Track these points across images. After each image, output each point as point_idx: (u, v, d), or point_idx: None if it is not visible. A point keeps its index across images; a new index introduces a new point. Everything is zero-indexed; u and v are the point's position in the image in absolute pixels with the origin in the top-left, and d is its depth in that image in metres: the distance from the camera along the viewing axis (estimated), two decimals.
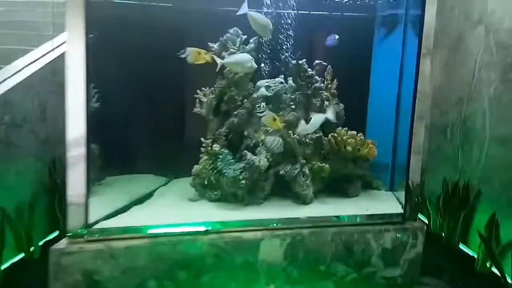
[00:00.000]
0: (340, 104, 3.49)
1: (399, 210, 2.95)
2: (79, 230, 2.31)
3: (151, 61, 3.20)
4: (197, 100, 3.21)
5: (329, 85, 3.40)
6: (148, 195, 3.25)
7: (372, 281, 2.78)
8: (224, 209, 2.92)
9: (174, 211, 2.82)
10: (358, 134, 3.29)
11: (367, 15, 3.71)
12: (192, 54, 2.65)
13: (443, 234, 3.50)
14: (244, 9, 2.64)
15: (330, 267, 2.68)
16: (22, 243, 2.90)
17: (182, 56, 2.59)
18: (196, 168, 3.06)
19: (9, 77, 3.04)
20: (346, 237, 2.71)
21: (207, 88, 3.22)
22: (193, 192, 3.14)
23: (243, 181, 2.91)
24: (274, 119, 2.75)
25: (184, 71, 3.32)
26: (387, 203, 3.18)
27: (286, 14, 3.12)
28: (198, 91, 3.20)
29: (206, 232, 2.51)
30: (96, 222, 2.50)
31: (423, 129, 2.92)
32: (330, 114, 2.79)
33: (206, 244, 2.46)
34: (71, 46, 2.25)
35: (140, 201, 3.09)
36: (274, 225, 2.65)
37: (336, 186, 3.35)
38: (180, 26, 3.23)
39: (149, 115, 3.56)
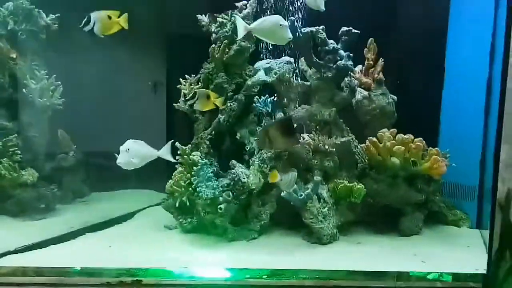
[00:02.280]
0: (390, 96, 2.39)
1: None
2: None
3: None
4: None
5: (371, 68, 2.30)
6: (124, 218, 2.63)
7: None
8: (192, 246, 2.03)
9: (117, 248, 2.01)
10: (416, 139, 2.14)
11: None
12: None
13: None
14: None
15: None
16: None
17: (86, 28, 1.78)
18: (168, 183, 2.22)
19: None
20: None
21: (193, 75, 2.37)
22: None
23: (222, 205, 1.98)
24: (208, 97, 1.97)
25: None
26: (462, 251, 2.09)
27: None
28: (180, 79, 2.37)
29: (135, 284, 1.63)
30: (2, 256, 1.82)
31: None
32: None
33: None
34: None
35: (104, 225, 2.44)
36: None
37: (382, 218, 2.38)
38: None
39: None
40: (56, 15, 2.60)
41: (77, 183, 2.89)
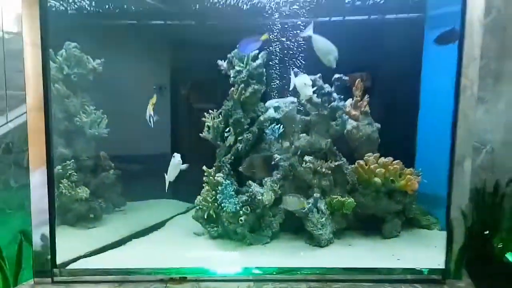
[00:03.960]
0: (375, 124, 2.90)
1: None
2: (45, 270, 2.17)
3: None
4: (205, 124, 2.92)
5: (359, 102, 2.83)
6: (158, 225, 3.12)
7: None
8: (219, 249, 2.58)
9: (161, 251, 2.55)
10: (395, 161, 2.68)
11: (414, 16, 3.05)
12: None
13: None
14: (308, 31, 2.34)
15: None
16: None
17: None
18: (198, 198, 2.76)
19: None
20: None
21: (215, 110, 2.90)
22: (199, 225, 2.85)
23: (242, 217, 2.53)
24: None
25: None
26: (430, 250, 2.54)
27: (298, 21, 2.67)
28: (205, 113, 2.90)
29: (182, 280, 2.18)
30: (76, 260, 2.35)
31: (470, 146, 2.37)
32: None
33: None
34: None
35: (144, 232, 2.94)
36: None
37: (369, 225, 2.83)
38: None
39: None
40: (102, 60, 3.11)
41: (116, 195, 3.34)
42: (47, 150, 2.16)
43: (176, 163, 2.43)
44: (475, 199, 4.02)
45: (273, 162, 2.58)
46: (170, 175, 2.47)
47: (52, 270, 2.20)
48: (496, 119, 4.35)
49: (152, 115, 2.44)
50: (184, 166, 2.46)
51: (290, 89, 2.45)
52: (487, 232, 3.44)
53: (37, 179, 2.17)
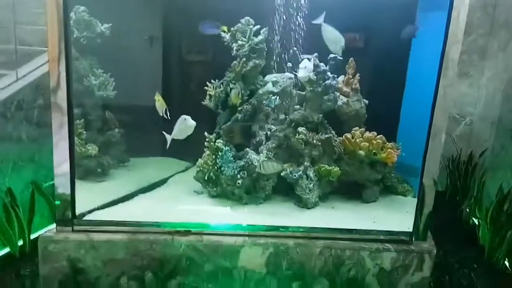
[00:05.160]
0: (363, 100, 3.17)
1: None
2: (65, 220, 2.46)
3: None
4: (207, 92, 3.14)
5: (350, 80, 3.07)
6: (161, 182, 3.37)
7: None
8: (218, 207, 2.89)
9: (167, 206, 2.86)
10: (378, 136, 2.98)
11: None
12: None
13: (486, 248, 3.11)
14: (320, 19, 2.59)
15: (314, 283, 2.53)
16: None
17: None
18: (199, 161, 3.04)
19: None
20: (336, 252, 2.52)
21: (217, 80, 3.11)
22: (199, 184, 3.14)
23: (239, 181, 2.83)
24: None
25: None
26: (403, 215, 2.88)
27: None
28: (207, 83, 3.12)
29: (186, 233, 2.51)
30: (91, 211, 2.64)
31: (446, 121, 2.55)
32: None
33: (184, 245, 2.46)
34: None
35: (149, 188, 3.21)
36: None
37: (351, 190, 3.14)
38: None
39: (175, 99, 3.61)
40: (109, 24, 3.23)
41: (120, 152, 3.56)
42: (68, 101, 2.35)
43: (190, 125, 2.59)
44: (449, 167, 4.44)
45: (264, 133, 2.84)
46: (177, 133, 2.64)
47: (72, 220, 2.49)
48: (477, 93, 4.67)
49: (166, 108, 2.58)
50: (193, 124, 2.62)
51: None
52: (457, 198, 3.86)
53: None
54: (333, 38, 2.56)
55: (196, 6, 3.30)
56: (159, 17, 3.41)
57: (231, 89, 3.00)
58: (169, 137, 2.67)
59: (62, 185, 2.45)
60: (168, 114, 2.62)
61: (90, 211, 2.64)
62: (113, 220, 2.56)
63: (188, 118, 2.66)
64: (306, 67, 2.59)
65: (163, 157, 3.71)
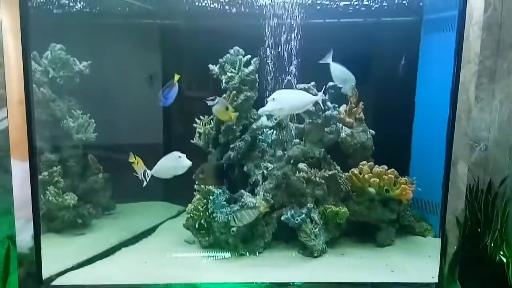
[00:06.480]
0: (369, 131, 2.86)
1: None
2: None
3: None
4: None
5: (353, 109, 2.78)
6: (149, 231, 3.03)
7: None
8: (209, 261, 2.54)
9: (151, 263, 2.49)
10: (389, 170, 2.64)
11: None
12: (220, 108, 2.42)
13: None
14: (328, 59, 2.55)
15: None
16: None
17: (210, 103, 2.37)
18: (189, 206, 2.70)
19: None
20: None
21: (206, 116, 2.83)
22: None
23: (234, 228, 2.48)
24: (227, 109, 2.42)
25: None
26: (424, 261, 2.52)
27: (291, 23, 2.59)
28: (196, 119, 2.83)
29: None
30: (63, 273, 2.29)
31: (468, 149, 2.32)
32: None
33: None
34: None
35: (134, 239, 2.87)
36: None
37: (363, 233, 2.79)
38: None
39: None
40: (88, 62, 3.00)
41: (106, 199, 3.22)
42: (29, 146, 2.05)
43: (184, 165, 2.33)
44: (468, 198, 4.04)
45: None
46: (162, 171, 2.38)
47: (39, 286, 2.14)
48: (490, 117, 4.36)
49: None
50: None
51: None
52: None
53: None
54: (344, 77, 2.49)
55: (182, 42, 3.15)
56: (142, 53, 3.17)
57: (221, 125, 2.70)
58: (149, 172, 2.38)
59: (25, 243, 2.09)
60: (147, 178, 2.37)
61: (60, 273, 2.28)
62: (86, 285, 2.19)
63: (183, 156, 2.37)
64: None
65: (154, 201, 3.47)
